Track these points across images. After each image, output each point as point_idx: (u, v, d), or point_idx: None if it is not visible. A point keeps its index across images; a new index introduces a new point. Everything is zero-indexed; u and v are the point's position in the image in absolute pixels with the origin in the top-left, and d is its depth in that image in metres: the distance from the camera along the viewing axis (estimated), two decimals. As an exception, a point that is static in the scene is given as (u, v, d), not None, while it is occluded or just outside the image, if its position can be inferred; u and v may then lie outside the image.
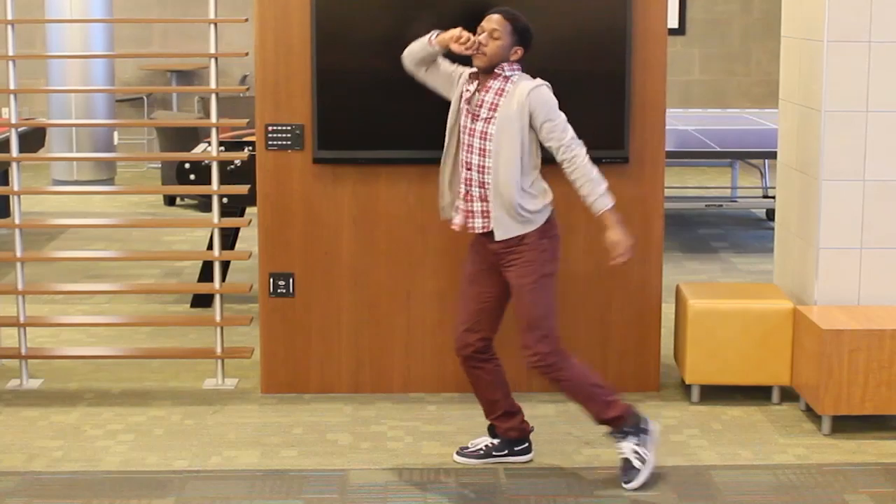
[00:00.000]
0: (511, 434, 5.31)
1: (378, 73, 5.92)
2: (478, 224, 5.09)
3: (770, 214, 10.62)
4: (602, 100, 5.97)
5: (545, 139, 5.04)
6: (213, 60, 6.27)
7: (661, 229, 6.15)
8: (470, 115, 5.07)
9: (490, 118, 5.02)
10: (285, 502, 4.96)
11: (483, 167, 5.03)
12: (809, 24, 6.01)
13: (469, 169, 5.07)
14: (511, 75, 5.07)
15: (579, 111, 6.01)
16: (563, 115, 5.06)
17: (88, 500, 4.96)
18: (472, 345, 5.17)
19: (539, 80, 5.08)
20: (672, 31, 13.75)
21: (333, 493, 5.04)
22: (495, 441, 5.33)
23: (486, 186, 5.04)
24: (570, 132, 5.05)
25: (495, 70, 5.06)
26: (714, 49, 14.50)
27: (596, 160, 6.00)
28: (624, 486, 5.04)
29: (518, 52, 5.10)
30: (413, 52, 5.26)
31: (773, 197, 8.45)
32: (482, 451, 5.31)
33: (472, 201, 5.09)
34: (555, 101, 5.06)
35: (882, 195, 5.93)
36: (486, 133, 5.02)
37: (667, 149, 6.17)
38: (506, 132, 4.98)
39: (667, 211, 6.38)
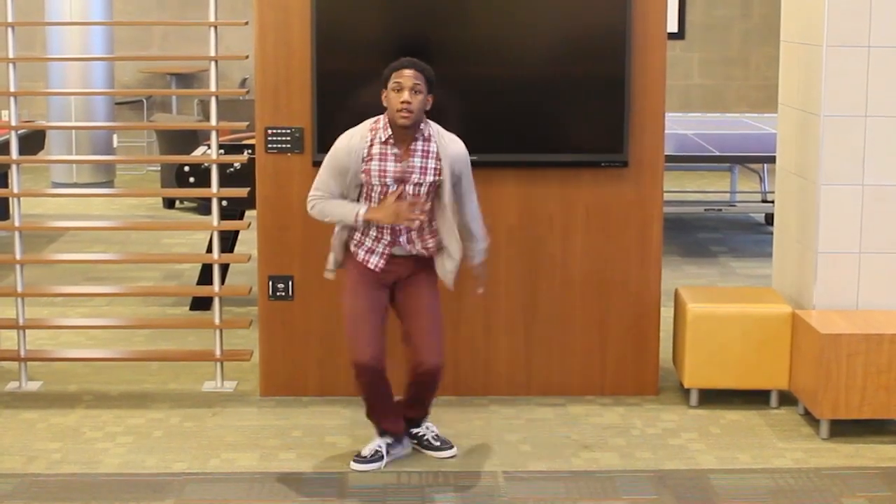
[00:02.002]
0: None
1: (378, 77, 5.92)
2: (372, 262, 5.19)
3: (769, 219, 10.62)
4: (601, 104, 5.98)
5: (464, 199, 5.18)
6: (212, 63, 6.27)
7: (660, 233, 6.16)
8: (378, 184, 5.06)
9: (405, 180, 5.05)
10: (284, 505, 4.97)
11: (423, 228, 5.16)
12: (809, 29, 6.02)
13: (398, 231, 5.14)
14: (431, 133, 5.09)
15: (579, 115, 6.04)
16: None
17: (87, 502, 4.96)
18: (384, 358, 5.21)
19: (456, 138, 5.16)
20: (671, 36, 13.79)
21: (332, 495, 5.04)
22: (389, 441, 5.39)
23: (427, 236, 5.19)
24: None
25: (418, 127, 5.05)
26: (713, 53, 14.50)
27: (595, 164, 6.05)
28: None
29: (430, 101, 5.08)
30: (332, 218, 5.16)
31: (772, 201, 8.45)
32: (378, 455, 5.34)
33: (401, 246, 5.18)
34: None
35: (880, 200, 5.93)
36: (406, 194, 5.07)
37: (666, 153, 6.18)
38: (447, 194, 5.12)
39: (666, 215, 6.39)
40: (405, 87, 4.98)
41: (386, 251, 5.15)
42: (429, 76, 5.05)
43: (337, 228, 5.21)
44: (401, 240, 5.14)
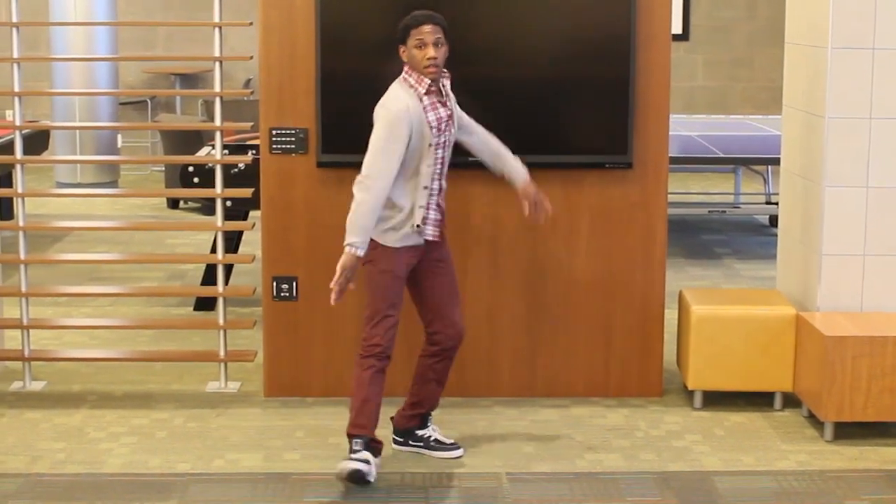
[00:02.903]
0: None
1: (382, 78, 5.91)
2: (429, 232, 5.17)
3: (773, 221, 10.63)
4: (606, 105, 5.98)
5: (474, 128, 5.36)
6: (217, 64, 6.28)
7: (665, 235, 6.15)
8: (437, 135, 5.10)
9: (447, 129, 5.13)
10: (288, 506, 4.97)
11: (442, 174, 5.19)
12: (814, 31, 6.02)
13: (440, 179, 5.17)
14: (445, 83, 5.17)
15: (583, 117, 6.04)
16: None
17: (91, 502, 4.96)
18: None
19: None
20: (676, 37, 13.79)
21: (336, 496, 5.04)
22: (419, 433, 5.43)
23: (441, 192, 5.20)
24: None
25: (441, 81, 5.12)
26: (718, 55, 14.50)
27: (599, 165, 6.05)
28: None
29: (448, 49, 5.13)
30: (360, 217, 5.04)
31: (777, 203, 8.45)
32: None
33: (432, 210, 5.18)
34: None
35: (885, 202, 5.93)
36: (447, 143, 5.15)
37: (670, 154, 6.18)
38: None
39: (670, 217, 6.39)
40: (428, 42, 5.00)
41: (438, 216, 5.17)
42: (444, 25, 5.08)
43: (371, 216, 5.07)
44: (440, 200, 5.19)
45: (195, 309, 7.89)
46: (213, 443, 5.62)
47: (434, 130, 5.05)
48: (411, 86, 5.07)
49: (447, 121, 5.12)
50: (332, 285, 4.96)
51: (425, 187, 5.08)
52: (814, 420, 5.85)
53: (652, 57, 5.99)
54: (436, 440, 5.44)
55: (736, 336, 5.96)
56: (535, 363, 6.17)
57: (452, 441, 5.47)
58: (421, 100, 5.05)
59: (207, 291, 7.14)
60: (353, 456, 5.04)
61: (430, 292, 5.26)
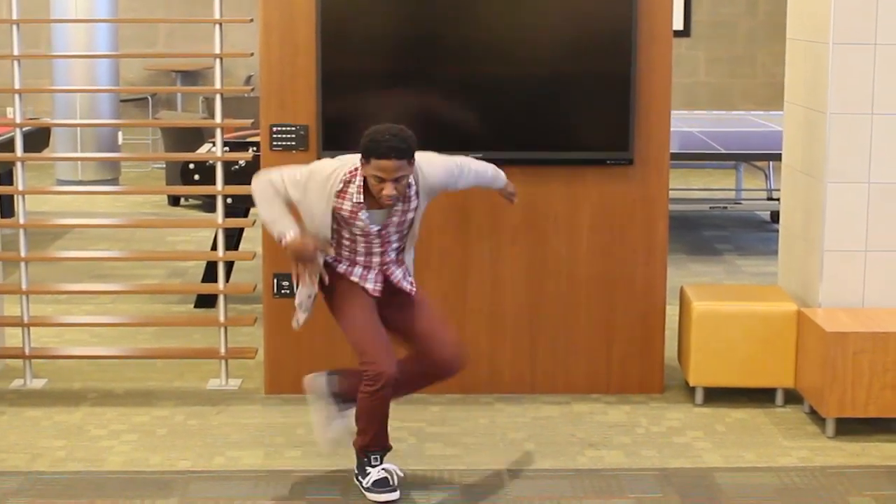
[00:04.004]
0: None
1: (383, 74, 5.92)
2: (406, 285, 5.04)
3: (774, 217, 10.62)
4: (607, 101, 5.97)
5: (466, 179, 5.13)
6: (217, 61, 6.27)
7: (666, 231, 6.15)
8: (378, 229, 4.90)
9: (402, 225, 4.95)
10: (288, 503, 4.96)
11: (401, 247, 5.04)
12: (815, 27, 6.01)
13: (386, 253, 4.98)
14: (411, 185, 4.89)
15: (584, 113, 6.04)
16: (451, 159, 5.06)
17: (92, 500, 4.96)
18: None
19: (425, 157, 4.94)
20: (677, 33, 13.71)
21: (336, 493, 5.03)
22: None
23: (398, 255, 5.04)
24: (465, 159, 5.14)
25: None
26: (719, 51, 14.49)
27: (600, 161, 6.04)
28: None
29: (412, 167, 4.80)
30: (266, 211, 4.94)
31: (778, 199, 8.43)
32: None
33: (392, 272, 5.02)
34: (440, 157, 5.01)
35: (887, 197, 5.92)
36: (403, 232, 4.98)
37: (671, 150, 6.17)
38: (422, 215, 5.03)
39: (671, 213, 6.38)
40: (387, 179, 4.70)
41: (380, 279, 4.99)
42: (410, 152, 4.74)
43: (302, 293, 5.05)
44: (391, 267, 5.01)
45: (196, 306, 7.88)
46: (213, 440, 5.62)
47: (345, 224, 4.88)
48: (348, 179, 4.83)
49: (379, 226, 4.88)
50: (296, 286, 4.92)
51: (357, 255, 4.98)
52: (815, 416, 5.84)
53: (653, 53, 5.98)
54: (342, 416, 5.17)
55: (737, 332, 5.96)
56: (536, 360, 6.17)
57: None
58: (344, 191, 4.83)
59: (208, 288, 7.14)
60: (374, 465, 4.97)
61: (402, 325, 5.06)
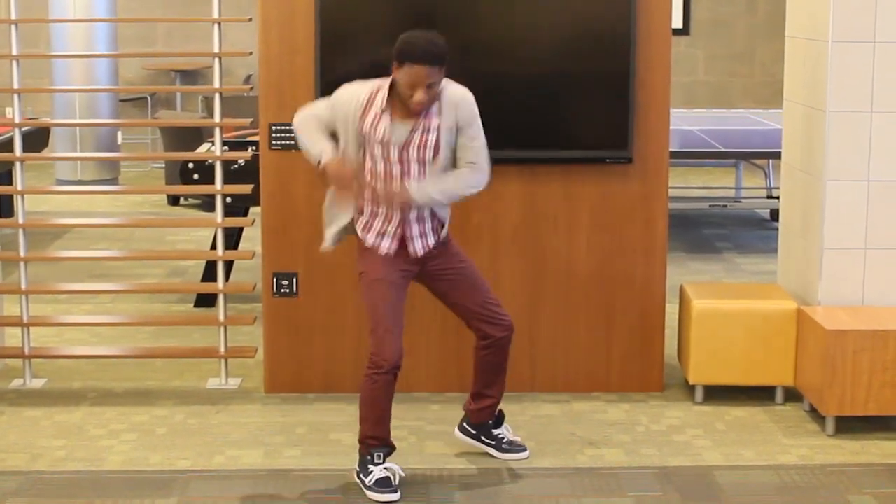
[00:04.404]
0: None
1: (382, 73, 5.91)
2: (419, 246, 4.99)
3: (774, 215, 10.62)
4: (606, 100, 5.97)
5: (461, 146, 4.92)
6: (216, 60, 6.27)
7: (665, 229, 6.15)
8: (399, 148, 4.86)
9: (424, 144, 4.87)
10: (288, 502, 4.96)
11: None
12: (814, 25, 6.01)
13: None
14: (439, 103, 4.87)
15: (583, 112, 6.04)
16: (483, 136, 4.96)
17: (91, 499, 4.96)
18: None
19: (464, 88, 4.92)
20: (676, 32, 13.79)
21: (336, 492, 5.03)
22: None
23: (398, 212, 4.95)
24: (487, 155, 4.99)
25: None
26: (718, 49, 14.49)
27: (600, 160, 6.04)
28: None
29: (443, 74, 4.79)
30: (303, 141, 4.97)
31: (777, 197, 8.44)
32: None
33: (409, 226, 4.97)
34: (478, 114, 4.95)
35: (886, 195, 5.92)
36: (424, 158, 4.89)
37: (671, 149, 6.17)
38: (446, 147, 4.90)
39: (671, 211, 6.38)
40: (419, 85, 4.71)
41: (398, 232, 4.96)
42: (443, 60, 4.73)
43: (327, 202, 5.06)
44: (409, 217, 4.94)
45: (195, 305, 7.88)
46: (213, 439, 5.62)
47: (377, 137, 4.85)
48: (374, 91, 4.86)
49: (418, 139, 4.86)
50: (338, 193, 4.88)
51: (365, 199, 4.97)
52: (815, 414, 5.84)
53: (652, 51, 5.98)
54: (508, 442, 5.38)
55: (737, 330, 5.96)
56: (536, 358, 6.16)
57: (520, 442, 5.42)
58: (369, 105, 4.85)
59: (208, 288, 7.14)
60: (378, 464, 4.98)
61: (450, 300, 5.15)
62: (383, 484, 4.94)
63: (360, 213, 5.02)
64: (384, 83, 4.87)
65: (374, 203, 4.97)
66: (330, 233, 5.10)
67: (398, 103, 4.84)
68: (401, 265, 5.01)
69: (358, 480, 5.00)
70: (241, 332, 7.05)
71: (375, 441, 4.99)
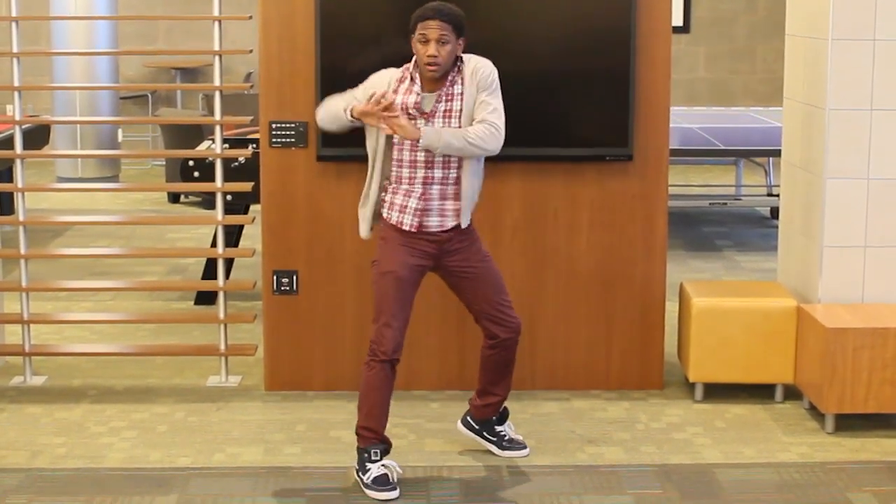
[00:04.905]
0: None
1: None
2: (434, 223, 5.02)
3: (774, 213, 10.62)
4: (606, 98, 5.97)
5: (476, 107, 4.95)
6: (217, 58, 6.27)
7: (665, 227, 6.15)
8: (424, 118, 4.93)
9: (449, 113, 4.94)
10: (288, 499, 4.96)
11: (449, 162, 4.98)
12: (814, 23, 6.01)
13: (430, 168, 4.97)
14: (461, 74, 4.97)
15: (583, 109, 6.04)
16: (501, 103, 4.98)
17: (91, 496, 4.96)
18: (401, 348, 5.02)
19: (487, 60, 5.02)
20: (676, 29, 13.79)
21: (336, 490, 5.04)
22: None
23: (448, 181, 5.00)
24: (501, 120, 4.96)
25: (448, 75, 4.95)
26: (719, 47, 14.49)
27: (600, 158, 6.04)
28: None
29: (461, 44, 4.96)
30: (331, 120, 5.09)
31: (778, 195, 8.43)
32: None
33: (430, 200, 5.00)
34: (497, 83, 4.99)
35: (886, 193, 5.92)
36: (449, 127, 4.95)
37: (671, 147, 6.17)
38: (467, 117, 4.95)
39: (671, 209, 6.39)
40: (430, 38, 4.85)
41: (418, 207, 4.97)
42: (456, 22, 4.88)
43: (365, 190, 5.06)
44: (432, 191, 4.97)
45: (196, 303, 7.88)
46: (213, 437, 5.62)
47: (405, 109, 4.92)
48: (408, 67, 5.00)
49: (441, 110, 4.94)
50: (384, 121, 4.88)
51: (388, 176, 5.03)
52: (815, 412, 5.84)
53: (653, 49, 5.98)
54: (510, 439, 5.40)
55: (737, 328, 5.96)
56: (536, 356, 6.17)
57: (521, 440, 5.43)
58: (401, 81, 4.98)
59: (208, 285, 7.14)
60: (375, 461, 4.98)
61: (463, 296, 5.17)
62: (381, 482, 4.94)
63: (384, 190, 5.06)
64: (411, 63, 5.00)
65: (398, 180, 5.01)
66: (363, 219, 5.12)
67: (424, 79, 4.96)
68: (416, 259, 5.03)
69: (357, 478, 5.01)
70: (241, 330, 7.05)
71: (368, 433, 5.00)
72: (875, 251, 5.95)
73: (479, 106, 4.94)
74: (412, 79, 4.97)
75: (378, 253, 5.06)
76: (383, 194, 5.06)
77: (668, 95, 6.05)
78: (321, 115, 5.15)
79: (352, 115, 4.93)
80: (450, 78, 4.97)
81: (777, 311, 5.96)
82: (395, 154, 5.01)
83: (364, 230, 5.13)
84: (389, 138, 4.96)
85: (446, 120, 4.94)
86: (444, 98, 4.95)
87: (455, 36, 4.91)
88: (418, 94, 4.94)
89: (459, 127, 4.93)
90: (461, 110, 4.95)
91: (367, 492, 4.94)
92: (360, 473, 5.00)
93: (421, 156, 4.96)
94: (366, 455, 4.99)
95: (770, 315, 5.96)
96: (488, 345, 5.20)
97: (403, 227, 4.99)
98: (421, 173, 4.98)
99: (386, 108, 4.81)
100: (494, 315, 5.13)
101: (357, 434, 5.04)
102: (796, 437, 5.63)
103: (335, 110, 5.05)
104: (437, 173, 4.99)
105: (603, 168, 6.06)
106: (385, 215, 5.06)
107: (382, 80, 5.01)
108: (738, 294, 6.18)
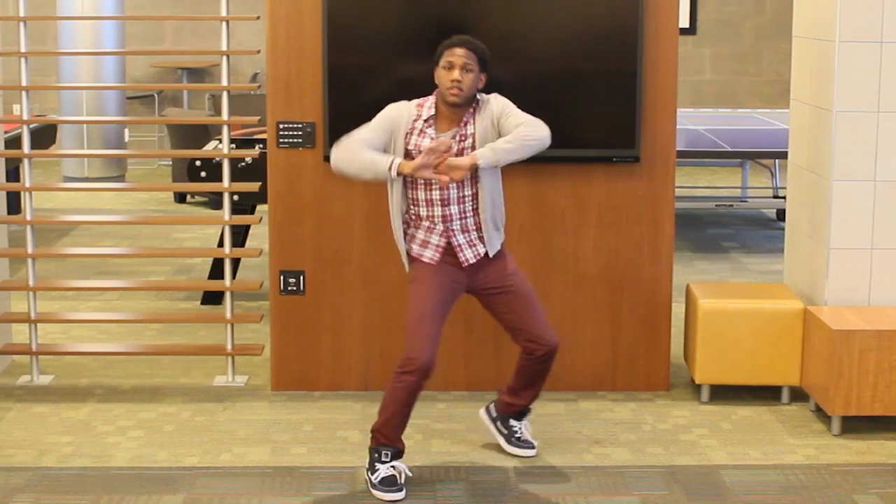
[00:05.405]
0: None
1: (389, 71, 5.92)
2: (469, 255, 5.06)
3: (780, 214, 10.62)
4: (613, 99, 5.97)
5: (503, 126, 4.97)
6: (224, 58, 6.28)
7: (672, 229, 6.15)
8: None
9: (464, 149, 4.96)
10: (295, 499, 4.97)
11: (464, 197, 5.01)
12: (821, 25, 6.01)
13: (446, 205, 5.00)
14: (478, 108, 5.02)
15: (590, 111, 6.04)
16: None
17: (98, 495, 4.97)
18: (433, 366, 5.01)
19: (496, 97, 5.05)
20: (683, 31, 13.73)
21: (343, 489, 5.04)
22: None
23: (469, 215, 5.03)
24: (536, 119, 5.00)
25: (469, 107, 4.98)
26: (725, 49, 14.49)
27: (607, 159, 6.04)
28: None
29: (483, 79, 5.01)
30: (358, 169, 4.96)
31: (784, 197, 8.45)
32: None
33: (454, 235, 5.03)
34: (512, 104, 5.04)
35: (893, 196, 5.92)
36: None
37: (677, 148, 6.17)
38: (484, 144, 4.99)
39: (677, 211, 6.38)
40: (456, 65, 4.90)
41: (441, 243, 5.02)
42: (482, 55, 4.97)
43: (394, 222, 5.08)
44: (453, 227, 5.02)
45: (202, 303, 7.89)
46: (220, 436, 5.63)
47: (421, 147, 4.93)
48: (419, 105, 5.01)
49: (459, 145, 4.98)
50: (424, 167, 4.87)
51: (408, 212, 5.07)
52: (821, 414, 5.84)
53: (659, 51, 5.99)
54: (519, 437, 5.41)
55: (743, 330, 5.96)
56: (543, 357, 6.16)
57: (531, 441, 5.45)
58: (416, 119, 4.98)
59: (215, 285, 7.14)
60: (384, 462, 5.00)
61: (495, 314, 5.21)
62: (388, 483, 4.95)
63: (408, 224, 5.10)
64: (427, 99, 5.02)
65: (417, 217, 5.05)
66: (402, 253, 5.16)
67: (442, 115, 4.98)
68: (451, 276, 5.06)
69: (366, 478, 5.02)
70: (247, 330, 7.06)
71: (383, 437, 5.00)
72: (882, 253, 5.95)
73: (506, 122, 4.96)
74: (428, 115, 4.98)
75: (413, 272, 5.09)
76: (405, 226, 5.10)
77: (675, 97, 6.05)
78: (341, 159, 4.99)
79: (398, 173, 4.91)
80: (465, 118, 4.99)
81: (783, 313, 5.96)
82: (410, 193, 5.04)
83: (405, 262, 5.15)
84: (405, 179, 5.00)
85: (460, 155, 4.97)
86: (458, 138, 4.98)
87: (479, 67, 4.97)
88: (432, 138, 4.94)
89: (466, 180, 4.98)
90: (473, 144, 4.98)
91: (374, 492, 4.95)
92: (368, 473, 5.01)
93: (436, 194, 4.99)
94: (376, 455, 5.00)
95: (776, 317, 5.96)
96: (523, 356, 5.24)
97: (424, 261, 5.04)
98: (438, 211, 5.01)
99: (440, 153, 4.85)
100: (527, 333, 5.15)
101: (371, 434, 5.04)
102: (802, 439, 5.63)
103: (363, 160, 4.93)
104: (454, 209, 5.02)
105: (610, 170, 6.07)
106: (408, 246, 5.10)
107: (400, 114, 5.00)
108: (744, 296, 6.17)
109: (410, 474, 5.03)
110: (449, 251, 5.04)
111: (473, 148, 4.96)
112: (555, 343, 5.17)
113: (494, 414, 5.45)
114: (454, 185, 4.97)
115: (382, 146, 4.98)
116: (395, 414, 4.98)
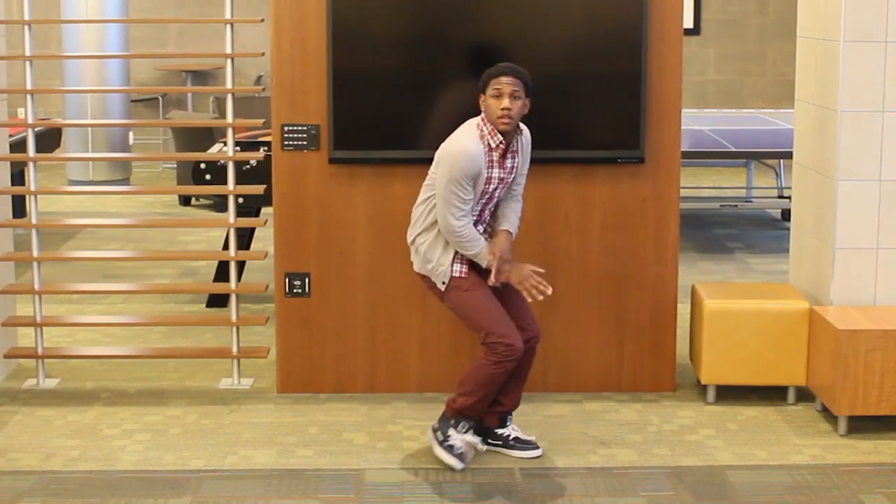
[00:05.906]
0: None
1: (394, 74, 5.93)
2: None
3: (785, 215, 10.61)
4: (618, 100, 5.97)
5: (517, 178, 5.31)
6: (228, 61, 6.28)
7: (677, 229, 6.15)
8: (493, 187, 5.19)
9: (500, 186, 5.22)
10: (301, 502, 4.97)
11: (481, 221, 5.31)
12: (826, 24, 6.01)
13: (482, 214, 5.28)
14: (519, 137, 5.28)
15: (595, 112, 6.04)
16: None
17: (105, 499, 4.97)
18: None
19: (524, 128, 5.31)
20: (687, 32, 13.80)
21: (349, 492, 5.04)
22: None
23: (487, 233, 5.33)
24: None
25: (517, 133, 5.20)
26: (729, 49, 14.48)
27: (611, 160, 6.04)
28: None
29: (528, 105, 5.17)
30: (472, 254, 5.18)
31: (789, 197, 8.43)
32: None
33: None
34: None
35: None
36: (492, 197, 5.24)
37: (682, 149, 6.17)
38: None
39: (682, 211, 6.39)
40: (505, 93, 5.04)
41: (465, 259, 5.22)
42: (526, 81, 5.11)
43: (431, 239, 5.24)
44: (479, 227, 5.26)
45: (208, 306, 7.90)
46: (226, 439, 5.63)
47: (487, 185, 5.13)
48: (482, 136, 5.11)
49: (501, 180, 5.18)
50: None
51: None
52: (827, 414, 5.84)
53: (664, 52, 5.99)
54: (515, 438, 5.42)
55: (749, 330, 5.96)
56: (548, 358, 6.17)
57: (532, 439, 5.46)
58: (489, 152, 5.11)
59: (220, 288, 7.15)
60: (462, 432, 5.23)
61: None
62: (456, 451, 5.18)
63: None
64: (479, 126, 5.14)
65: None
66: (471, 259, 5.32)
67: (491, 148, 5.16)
68: (479, 272, 5.26)
69: (432, 434, 5.24)
70: (253, 333, 7.06)
71: (470, 413, 5.21)
72: (887, 253, 5.95)
73: (521, 176, 5.32)
74: (496, 146, 5.12)
75: (451, 281, 5.21)
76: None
77: (680, 98, 6.05)
78: (462, 245, 5.15)
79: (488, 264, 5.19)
80: (514, 147, 5.20)
81: (789, 313, 5.96)
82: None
83: (447, 272, 5.29)
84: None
85: (501, 185, 5.22)
86: (507, 167, 5.20)
87: (524, 94, 5.11)
88: (495, 170, 5.16)
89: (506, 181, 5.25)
90: (512, 180, 5.30)
91: (436, 449, 5.20)
92: (438, 433, 5.22)
93: (480, 205, 5.23)
94: (453, 422, 5.20)
95: (782, 317, 5.95)
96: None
97: (454, 275, 5.21)
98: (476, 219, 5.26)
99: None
100: (519, 319, 5.25)
101: (457, 410, 5.21)
102: (808, 439, 5.63)
103: (478, 248, 5.15)
104: (486, 216, 5.30)
105: (615, 170, 6.07)
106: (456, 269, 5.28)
107: (476, 160, 5.07)
108: (750, 296, 6.17)
109: (483, 448, 5.29)
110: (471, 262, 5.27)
111: (514, 174, 5.26)
112: (539, 332, 5.36)
113: (481, 433, 5.42)
114: (497, 191, 5.22)
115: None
116: (488, 395, 5.19)
